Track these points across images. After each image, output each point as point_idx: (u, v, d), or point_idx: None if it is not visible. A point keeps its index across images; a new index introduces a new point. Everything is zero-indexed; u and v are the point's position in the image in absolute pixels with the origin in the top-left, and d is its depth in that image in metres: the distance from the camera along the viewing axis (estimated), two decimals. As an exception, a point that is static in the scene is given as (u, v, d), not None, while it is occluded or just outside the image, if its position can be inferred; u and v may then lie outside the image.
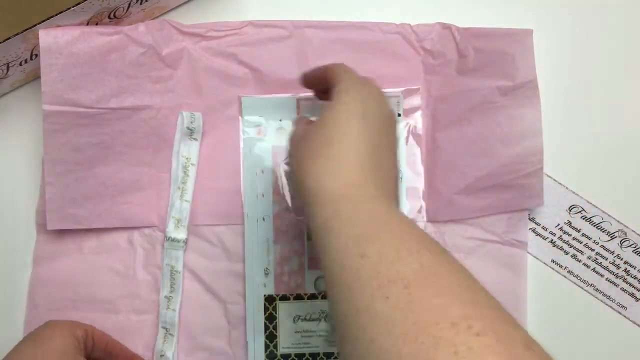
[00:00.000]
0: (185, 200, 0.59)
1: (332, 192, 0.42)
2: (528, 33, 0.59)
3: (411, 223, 0.41)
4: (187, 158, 0.59)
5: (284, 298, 0.59)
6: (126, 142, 0.58)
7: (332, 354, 0.59)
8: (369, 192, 0.42)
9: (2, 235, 0.59)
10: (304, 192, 0.43)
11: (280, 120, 0.60)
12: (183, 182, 0.59)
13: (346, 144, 0.44)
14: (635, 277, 0.61)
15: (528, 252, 0.60)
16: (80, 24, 0.55)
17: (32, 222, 0.59)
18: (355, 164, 0.43)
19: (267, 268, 0.59)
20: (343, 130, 0.44)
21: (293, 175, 0.46)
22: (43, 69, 0.54)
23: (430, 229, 0.60)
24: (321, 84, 0.51)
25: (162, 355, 0.57)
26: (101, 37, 0.55)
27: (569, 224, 0.61)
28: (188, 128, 0.59)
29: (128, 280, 0.59)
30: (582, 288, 0.61)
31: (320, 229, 0.41)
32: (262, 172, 0.60)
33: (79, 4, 0.52)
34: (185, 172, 0.59)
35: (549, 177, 0.61)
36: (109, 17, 0.57)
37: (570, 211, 0.61)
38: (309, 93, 0.60)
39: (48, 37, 0.54)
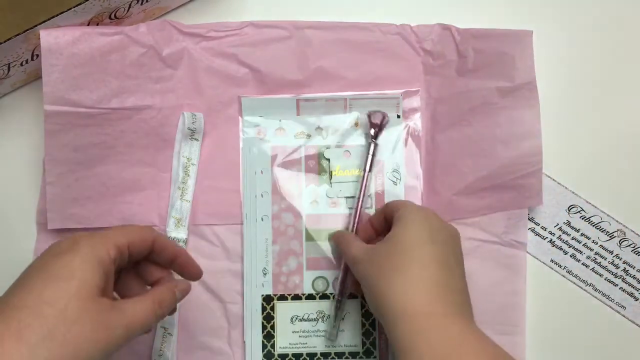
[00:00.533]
0: (186, 200, 0.59)
1: (409, 311, 0.46)
2: (528, 34, 0.59)
3: (484, 340, 0.46)
4: (188, 158, 0.59)
5: (282, 298, 0.59)
6: (127, 142, 0.58)
7: (330, 354, 0.59)
8: (443, 309, 0.46)
9: (2, 234, 0.60)
10: (383, 311, 0.48)
11: (280, 121, 0.61)
12: (183, 182, 0.59)
13: (419, 266, 0.48)
14: (634, 277, 0.61)
15: (527, 252, 0.60)
16: (81, 25, 0.56)
17: (32, 221, 0.59)
18: (429, 285, 0.47)
19: (265, 268, 0.59)
20: (414, 254, 0.49)
21: (367, 295, 0.51)
22: (44, 70, 0.54)
23: (429, 229, 0.60)
24: (381, 224, 0.56)
25: (160, 355, 0.58)
26: (102, 37, 0.56)
27: (568, 223, 0.61)
28: (189, 129, 0.59)
29: (128, 279, 0.59)
30: (581, 288, 0.61)
31: (400, 345, 0.45)
32: (262, 172, 0.60)
33: (80, 4, 0.52)
34: (185, 172, 0.59)
35: (548, 177, 0.61)
36: (110, 18, 0.57)
37: (569, 211, 0.61)
38: (310, 94, 0.60)
39: (49, 37, 0.54)
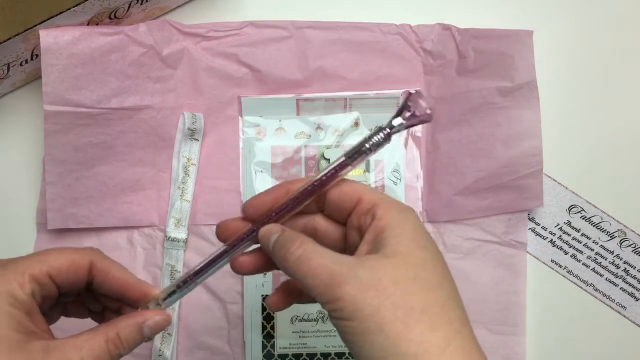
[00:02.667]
0: (186, 200, 0.59)
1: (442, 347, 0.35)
2: (528, 34, 0.59)
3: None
4: (188, 158, 0.59)
5: (283, 298, 0.59)
6: (127, 142, 0.58)
7: (330, 354, 0.59)
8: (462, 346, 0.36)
9: (2, 234, 0.60)
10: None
11: (280, 121, 0.61)
12: (183, 182, 0.59)
13: (443, 298, 0.37)
14: (634, 277, 0.61)
15: (528, 252, 0.60)
16: (80, 25, 0.55)
17: (32, 221, 0.59)
18: (450, 324, 0.36)
19: (265, 267, 0.59)
20: (432, 282, 0.37)
21: (358, 336, 0.36)
22: (44, 70, 0.54)
23: (429, 229, 0.60)
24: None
25: (160, 355, 0.58)
26: (102, 37, 0.56)
27: (569, 223, 0.61)
28: (189, 129, 0.59)
29: (128, 279, 0.59)
30: (581, 288, 0.61)
31: None
32: (262, 171, 0.60)
33: (79, 4, 0.52)
34: (185, 172, 0.59)
35: (549, 177, 0.61)
36: (110, 18, 0.57)
37: (569, 211, 0.61)
38: (310, 94, 0.60)
39: (49, 37, 0.54)
